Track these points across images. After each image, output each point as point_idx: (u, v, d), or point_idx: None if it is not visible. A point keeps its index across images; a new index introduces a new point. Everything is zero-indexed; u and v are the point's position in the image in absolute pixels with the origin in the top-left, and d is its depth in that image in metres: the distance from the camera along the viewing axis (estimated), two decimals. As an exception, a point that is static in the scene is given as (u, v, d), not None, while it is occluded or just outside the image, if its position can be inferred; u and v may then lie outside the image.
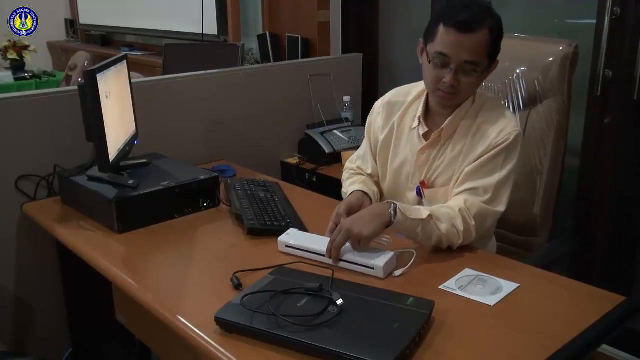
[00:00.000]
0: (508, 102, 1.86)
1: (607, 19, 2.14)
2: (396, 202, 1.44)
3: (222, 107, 2.41)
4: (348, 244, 1.42)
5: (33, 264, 2.00)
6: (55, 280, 2.02)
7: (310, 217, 1.72)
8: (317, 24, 3.43)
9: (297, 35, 3.55)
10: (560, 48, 1.76)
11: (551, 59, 1.78)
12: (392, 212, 1.40)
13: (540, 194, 1.81)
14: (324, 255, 1.42)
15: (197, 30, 4.35)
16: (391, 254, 1.39)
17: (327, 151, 2.53)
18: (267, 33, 3.80)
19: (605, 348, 2.17)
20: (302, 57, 3.48)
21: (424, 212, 1.43)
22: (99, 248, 1.59)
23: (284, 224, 1.62)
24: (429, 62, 1.48)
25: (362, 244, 1.38)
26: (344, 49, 3.28)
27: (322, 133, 2.60)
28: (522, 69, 1.83)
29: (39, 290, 2.02)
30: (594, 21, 2.25)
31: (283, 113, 2.62)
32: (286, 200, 1.83)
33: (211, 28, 4.33)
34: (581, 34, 2.36)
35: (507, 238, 1.86)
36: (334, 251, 1.39)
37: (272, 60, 3.76)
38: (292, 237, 1.51)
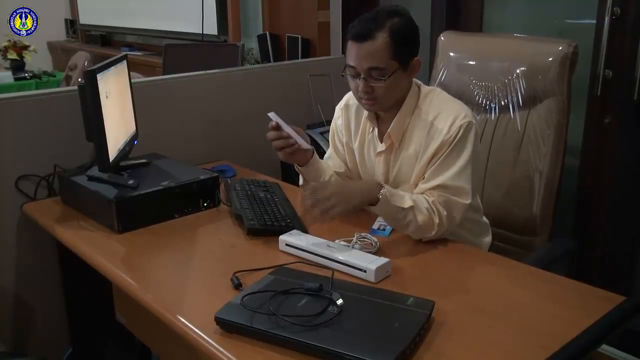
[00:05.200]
0: (508, 101, 1.86)
1: (607, 19, 2.14)
2: (385, 186, 1.48)
3: (222, 107, 2.41)
4: (344, 244, 1.47)
5: (33, 264, 1.99)
6: (55, 280, 2.02)
7: (310, 217, 1.71)
8: (317, 24, 3.43)
9: (297, 35, 3.55)
10: (560, 48, 1.77)
11: (551, 59, 1.78)
12: (379, 196, 1.45)
13: (540, 194, 1.81)
14: (323, 257, 1.42)
15: (197, 30, 4.35)
16: (386, 260, 1.37)
17: (327, 151, 2.52)
18: (267, 33, 3.80)
19: (605, 348, 2.16)
20: (302, 57, 3.49)
21: (407, 201, 1.47)
22: (99, 248, 1.59)
23: (283, 224, 1.61)
24: (348, 76, 1.57)
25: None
26: (343, 49, 3.28)
27: (322, 133, 2.59)
28: (522, 69, 1.84)
29: (39, 290, 2.02)
30: (594, 21, 2.25)
31: (283, 113, 2.60)
32: (286, 200, 1.82)
33: (211, 28, 4.34)
34: (581, 34, 2.36)
35: (507, 238, 1.87)
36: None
37: (272, 60, 3.76)
38: (293, 236, 1.52)
